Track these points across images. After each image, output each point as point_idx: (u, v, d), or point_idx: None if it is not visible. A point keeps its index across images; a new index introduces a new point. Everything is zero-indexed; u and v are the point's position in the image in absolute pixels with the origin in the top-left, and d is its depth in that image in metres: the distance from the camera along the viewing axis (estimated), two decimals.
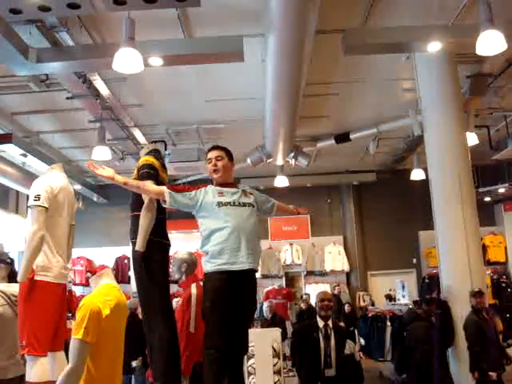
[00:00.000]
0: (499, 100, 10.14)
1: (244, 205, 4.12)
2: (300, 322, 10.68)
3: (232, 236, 3.95)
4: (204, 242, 4.00)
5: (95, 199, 15.31)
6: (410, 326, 7.28)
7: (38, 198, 3.86)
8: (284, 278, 15.44)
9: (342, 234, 15.95)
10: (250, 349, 6.66)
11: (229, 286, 3.90)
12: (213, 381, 3.78)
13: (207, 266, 3.95)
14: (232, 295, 3.90)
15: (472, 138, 9.68)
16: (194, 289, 4.86)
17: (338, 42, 7.21)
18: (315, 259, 15.45)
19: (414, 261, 15.68)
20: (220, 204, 4.02)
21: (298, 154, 11.55)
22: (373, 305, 12.65)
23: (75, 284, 14.56)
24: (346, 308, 12.73)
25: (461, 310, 7.88)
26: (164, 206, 3.98)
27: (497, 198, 15.46)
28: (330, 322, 5.81)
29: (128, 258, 14.13)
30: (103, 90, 8.66)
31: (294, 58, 6.94)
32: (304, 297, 13.66)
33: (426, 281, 13.26)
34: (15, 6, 5.56)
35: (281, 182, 13.15)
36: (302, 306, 12.91)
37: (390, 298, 13.35)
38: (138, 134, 10.83)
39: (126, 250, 13.72)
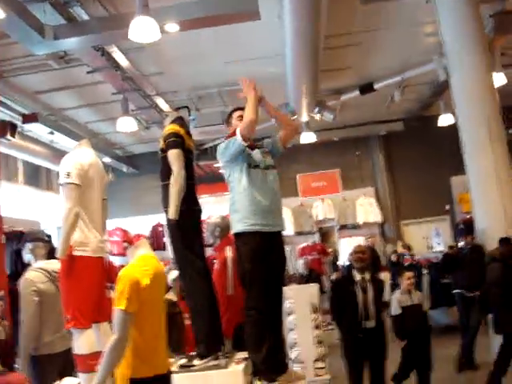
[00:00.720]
0: None
1: (268, 167, 4.22)
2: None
3: (265, 198, 4.02)
4: (236, 198, 4.07)
5: (125, 170, 15.45)
6: (487, 267, 7.18)
7: (68, 175, 3.91)
8: (317, 234, 15.47)
9: (372, 186, 15.83)
10: (289, 305, 6.80)
11: (265, 247, 3.97)
12: (256, 341, 3.87)
13: (240, 225, 4.00)
14: (268, 256, 3.96)
15: (500, 78, 9.46)
16: (228, 252, 4.93)
17: None
18: (347, 213, 15.40)
19: (448, 207, 15.51)
20: (251, 165, 4.12)
21: (323, 108, 11.44)
22: (410, 249, 12.50)
23: (113, 255, 14.81)
24: (393, 257, 12.60)
25: None
26: (243, 142, 3.99)
27: None
28: (366, 275, 5.83)
29: (162, 226, 14.27)
30: (122, 60, 8.66)
31: (310, 11, 6.84)
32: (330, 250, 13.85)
33: (461, 226, 13.14)
34: None
35: (308, 137, 13.06)
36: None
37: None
38: (160, 101, 10.84)
39: (160, 218, 13.86)
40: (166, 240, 13.40)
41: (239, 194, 4.05)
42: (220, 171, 4.38)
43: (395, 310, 6.48)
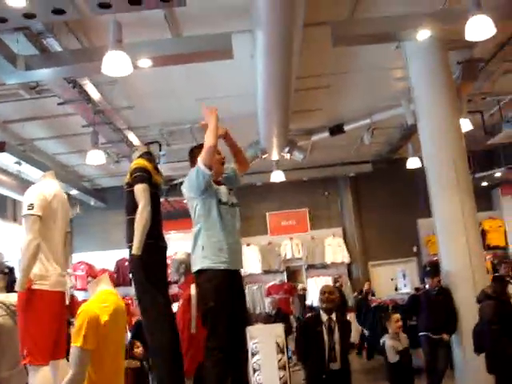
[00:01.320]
0: (491, 85, 10.10)
1: (233, 205, 4.20)
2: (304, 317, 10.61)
3: (230, 236, 3.98)
4: (202, 234, 4.00)
5: (92, 203, 15.27)
6: (480, 305, 7.12)
7: (31, 206, 3.85)
8: (285, 273, 15.44)
9: (340, 226, 15.94)
10: (254, 345, 6.71)
11: (229, 285, 3.93)
12: (218, 381, 3.78)
13: (205, 262, 3.92)
14: (231, 294, 3.92)
15: (466, 124, 9.68)
16: (193, 289, 4.86)
17: (327, 34, 7.18)
18: (315, 252, 15.44)
19: (415, 249, 15.69)
20: (220, 201, 4.09)
21: (293, 148, 11.55)
22: (373, 295, 12.62)
23: (77, 289, 14.54)
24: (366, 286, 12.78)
25: (461, 297, 7.90)
26: (207, 170, 3.95)
27: (494, 183, 15.48)
28: (333, 316, 5.80)
29: (128, 261, 14.11)
30: (94, 93, 8.64)
31: (283, 53, 6.92)
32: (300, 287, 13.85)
33: (428, 268, 13.20)
34: (0, 14, 5.53)
35: (277, 176, 13.13)
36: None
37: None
38: (131, 136, 10.81)
39: (126, 253, 13.69)
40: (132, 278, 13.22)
41: (207, 230, 3.98)
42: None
43: (393, 357, 6.35)
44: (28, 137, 11.00)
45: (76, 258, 15.08)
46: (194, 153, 4.39)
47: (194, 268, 4.00)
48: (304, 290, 13.94)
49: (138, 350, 6.14)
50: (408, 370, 6.40)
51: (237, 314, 4.03)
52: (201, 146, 4.34)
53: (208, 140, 4.01)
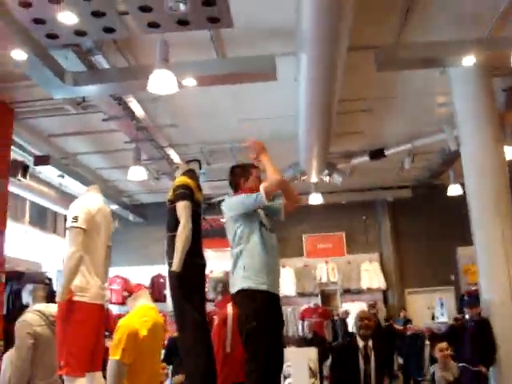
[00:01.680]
0: None
1: (272, 231, 4.21)
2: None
3: (271, 258, 4.01)
4: (245, 254, 3.98)
5: (131, 218, 15.45)
6: None
7: (76, 219, 3.91)
8: (319, 296, 15.30)
9: (377, 251, 15.76)
10: (286, 368, 6.65)
11: (271, 307, 3.94)
12: None
13: (247, 282, 3.91)
14: (272, 316, 3.91)
15: (510, 152, 9.52)
16: (229, 308, 4.86)
17: (371, 58, 7.18)
18: (351, 277, 15.29)
19: (453, 277, 15.38)
20: (262, 224, 4.10)
21: (333, 170, 11.51)
22: (404, 323, 12.37)
23: (112, 303, 14.67)
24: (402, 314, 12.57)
25: (502, 327, 7.71)
26: (265, 199, 3.97)
27: None
28: (370, 342, 5.71)
29: (164, 277, 14.20)
30: (138, 110, 8.78)
31: (326, 76, 6.94)
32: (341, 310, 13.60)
33: (466, 298, 12.98)
34: (52, 31, 5.70)
35: (315, 199, 13.08)
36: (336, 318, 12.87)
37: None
38: (172, 153, 10.93)
39: (162, 269, 13.80)
40: (166, 292, 13.29)
41: (249, 252, 3.97)
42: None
43: None
44: (72, 151, 11.24)
45: (112, 271, 15.21)
46: (235, 172, 4.40)
47: (235, 288, 3.97)
48: (347, 313, 13.64)
49: None
50: None
51: (277, 337, 4.01)
52: (242, 166, 4.37)
53: (277, 175, 4.07)
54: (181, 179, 4.30)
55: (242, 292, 3.94)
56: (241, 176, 4.33)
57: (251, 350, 3.84)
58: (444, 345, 6.30)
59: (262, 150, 4.17)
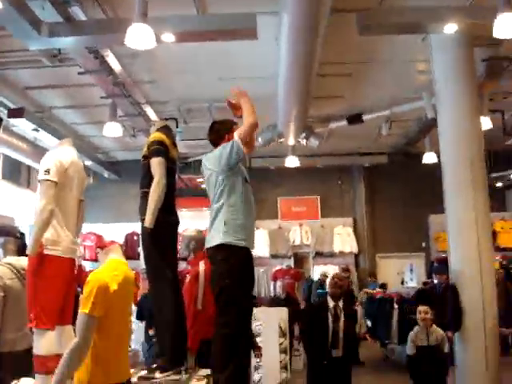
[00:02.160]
0: None
1: (249, 182, 4.16)
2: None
3: (250, 215, 4.02)
4: (226, 209, 3.94)
5: (106, 175, 15.35)
6: None
7: (47, 172, 3.85)
8: (292, 259, 15.47)
9: (351, 216, 15.93)
10: (257, 327, 6.76)
11: (246, 264, 3.97)
12: (224, 359, 3.79)
13: (227, 237, 3.88)
14: (246, 274, 3.94)
15: (486, 122, 9.59)
16: (202, 266, 4.90)
17: (353, 21, 7.11)
18: (324, 240, 15.46)
19: (424, 244, 15.64)
20: (245, 179, 4.08)
21: (310, 134, 11.51)
22: (380, 287, 12.59)
23: (85, 259, 14.65)
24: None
25: (469, 295, 7.88)
26: (242, 147, 3.91)
27: (508, 184, 15.37)
28: (340, 303, 5.79)
29: (137, 235, 14.16)
30: (115, 65, 8.63)
31: (307, 37, 6.88)
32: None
33: (436, 265, 13.22)
34: None
35: (291, 162, 13.11)
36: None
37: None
38: (149, 110, 10.81)
39: (136, 227, 13.69)
40: (140, 249, 13.28)
41: (230, 207, 3.93)
42: (201, 183, 4.30)
43: (409, 349, 6.19)
44: (47, 105, 11.04)
45: (86, 228, 15.17)
46: (216, 128, 4.31)
47: (213, 242, 3.91)
48: (325, 275, 13.68)
49: None
50: (428, 369, 5.98)
51: (249, 294, 4.05)
52: (223, 122, 4.31)
53: (251, 118, 3.94)
54: (155, 135, 4.24)
55: (220, 247, 3.89)
56: (223, 132, 4.22)
57: (223, 307, 3.86)
58: (424, 308, 6.20)
59: (242, 95, 4.07)
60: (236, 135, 3.95)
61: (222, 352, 3.80)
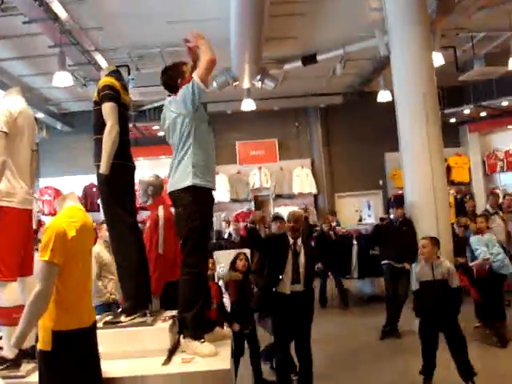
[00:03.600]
0: (466, 20, 10.03)
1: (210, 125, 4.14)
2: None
3: (213, 158, 4.09)
4: (191, 152, 3.94)
5: (59, 128, 15.03)
6: None
7: None
8: (253, 202, 15.61)
9: (309, 157, 16.06)
10: (220, 269, 6.85)
11: (211, 205, 4.04)
12: (191, 299, 3.87)
13: (195, 179, 3.89)
14: (211, 215, 4.01)
15: (438, 58, 9.68)
16: (161, 211, 4.91)
17: None
18: (283, 182, 15.61)
19: (381, 182, 15.95)
20: (208, 121, 4.11)
21: (265, 76, 11.44)
22: (338, 225, 12.82)
23: (44, 214, 14.50)
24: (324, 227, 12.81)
25: (423, 227, 8.13)
26: (203, 86, 3.88)
27: (462, 120, 15.65)
28: (299, 241, 5.87)
29: (95, 186, 14.03)
30: (61, 12, 8.36)
31: None
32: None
33: (392, 200, 13.52)
34: None
35: (248, 105, 13.05)
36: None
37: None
38: (99, 58, 10.55)
39: (94, 179, 13.61)
40: (99, 201, 13.18)
41: (198, 149, 3.94)
42: (158, 131, 4.26)
43: (414, 284, 5.90)
44: None
45: (43, 183, 14.95)
46: (168, 74, 4.23)
47: (181, 185, 3.91)
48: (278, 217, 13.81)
49: (241, 262, 6.15)
50: (433, 305, 5.66)
51: (208, 235, 4.16)
52: (173, 66, 4.25)
53: (207, 55, 3.88)
54: (106, 80, 4.15)
55: (189, 189, 3.90)
56: (175, 76, 4.16)
57: (190, 248, 3.90)
58: (423, 241, 5.89)
59: (201, 35, 4.01)
60: (194, 75, 3.92)
61: (190, 292, 3.88)
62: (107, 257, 6.43)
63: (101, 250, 6.48)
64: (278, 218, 7.55)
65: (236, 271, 6.17)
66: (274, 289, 5.76)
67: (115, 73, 4.32)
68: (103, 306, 6.16)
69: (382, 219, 10.14)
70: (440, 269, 5.71)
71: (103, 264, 6.45)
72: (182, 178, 3.92)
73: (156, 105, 12.94)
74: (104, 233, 6.30)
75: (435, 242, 5.92)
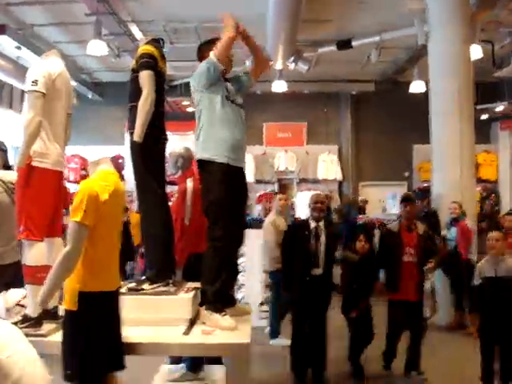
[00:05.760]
0: (506, 15, 9.85)
1: (239, 106, 4.17)
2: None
3: (235, 132, 4.03)
4: (208, 125, 3.98)
5: (90, 96, 15.12)
6: None
7: (35, 82, 3.77)
8: (276, 184, 15.58)
9: (336, 144, 15.94)
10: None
11: (233, 180, 4.00)
12: (215, 271, 3.88)
13: (209, 152, 3.93)
14: (235, 189, 4.00)
15: (476, 51, 9.54)
16: (189, 183, 4.94)
17: None
18: (308, 167, 15.55)
19: (407, 174, 15.81)
20: (228, 98, 4.07)
21: (298, 58, 11.36)
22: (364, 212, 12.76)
23: (69, 181, 14.63)
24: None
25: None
26: (218, 63, 3.94)
27: (494, 116, 15.42)
28: (321, 224, 5.89)
29: (123, 158, 14.11)
30: None
31: None
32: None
33: (417, 192, 13.43)
34: None
35: (279, 86, 13.00)
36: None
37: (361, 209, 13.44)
38: (134, 29, 10.55)
39: (121, 150, 13.71)
40: (126, 172, 13.26)
41: (210, 124, 3.96)
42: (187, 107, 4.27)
43: (475, 279, 5.38)
44: (29, 22, 10.71)
45: (70, 150, 15.04)
46: (202, 50, 4.28)
47: (200, 156, 4.01)
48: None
49: (360, 243, 6.16)
50: (495, 302, 5.15)
51: (239, 210, 4.13)
52: (209, 42, 4.25)
53: (227, 32, 3.94)
54: (145, 47, 4.15)
55: (202, 163, 3.99)
56: (207, 51, 4.16)
57: (214, 220, 3.92)
58: (494, 234, 5.29)
59: (228, 20, 4.01)
60: (212, 53, 3.96)
61: (213, 265, 3.90)
62: None
63: None
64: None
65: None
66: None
67: (155, 41, 4.32)
68: None
69: None
70: (504, 265, 5.20)
71: None
72: (200, 148, 4.02)
73: (187, 80, 12.88)
74: None
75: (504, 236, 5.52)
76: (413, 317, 5.98)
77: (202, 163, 3.99)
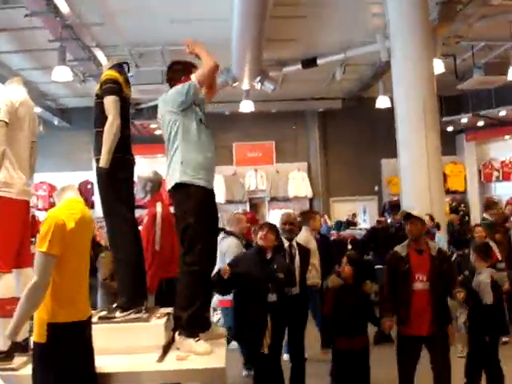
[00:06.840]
0: (467, 28, 10.06)
1: (208, 127, 4.11)
2: None
3: (209, 156, 4.00)
4: (183, 148, 3.92)
5: (56, 123, 14.98)
6: None
7: None
8: (248, 204, 15.58)
9: (306, 161, 16.06)
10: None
11: (208, 203, 3.97)
12: (190, 296, 3.82)
13: (184, 176, 3.86)
14: (209, 213, 3.97)
15: (438, 66, 9.71)
16: (159, 207, 4.88)
17: None
18: (279, 185, 15.61)
19: (376, 188, 15.96)
20: (200, 121, 4.02)
21: (264, 78, 11.43)
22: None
23: (38, 209, 14.42)
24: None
25: None
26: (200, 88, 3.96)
27: (459, 128, 15.71)
28: (294, 243, 5.86)
29: (91, 183, 14.00)
30: (63, 6, 8.32)
31: None
32: None
33: (387, 207, 13.57)
34: None
35: (246, 106, 13.05)
36: None
37: (351, 223, 13.56)
38: (99, 54, 10.52)
39: (89, 175, 13.58)
40: (95, 197, 13.14)
41: (186, 147, 3.90)
42: (155, 130, 4.23)
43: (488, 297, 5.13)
44: None
45: (38, 178, 14.87)
46: (175, 68, 4.23)
47: (172, 182, 3.90)
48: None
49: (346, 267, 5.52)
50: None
51: (213, 234, 4.09)
52: (184, 63, 4.22)
53: (211, 61, 3.92)
54: (108, 73, 4.12)
55: (179, 187, 3.89)
56: (182, 73, 4.13)
57: (189, 245, 3.86)
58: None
59: (196, 43, 4.03)
60: (194, 77, 3.92)
61: (187, 290, 3.84)
62: None
63: None
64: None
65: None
66: None
67: (118, 66, 4.29)
68: None
69: (379, 222, 10.14)
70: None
71: None
72: (173, 175, 3.92)
73: (154, 103, 12.90)
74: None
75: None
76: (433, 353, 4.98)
77: (180, 186, 3.89)
